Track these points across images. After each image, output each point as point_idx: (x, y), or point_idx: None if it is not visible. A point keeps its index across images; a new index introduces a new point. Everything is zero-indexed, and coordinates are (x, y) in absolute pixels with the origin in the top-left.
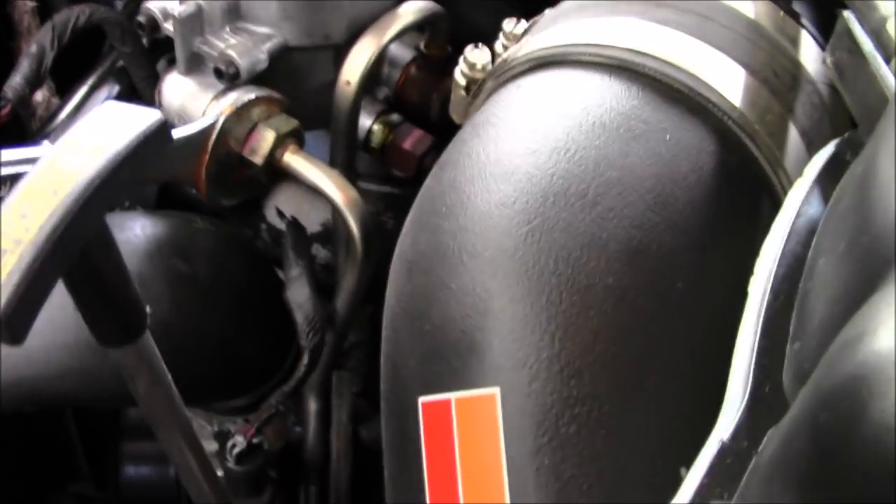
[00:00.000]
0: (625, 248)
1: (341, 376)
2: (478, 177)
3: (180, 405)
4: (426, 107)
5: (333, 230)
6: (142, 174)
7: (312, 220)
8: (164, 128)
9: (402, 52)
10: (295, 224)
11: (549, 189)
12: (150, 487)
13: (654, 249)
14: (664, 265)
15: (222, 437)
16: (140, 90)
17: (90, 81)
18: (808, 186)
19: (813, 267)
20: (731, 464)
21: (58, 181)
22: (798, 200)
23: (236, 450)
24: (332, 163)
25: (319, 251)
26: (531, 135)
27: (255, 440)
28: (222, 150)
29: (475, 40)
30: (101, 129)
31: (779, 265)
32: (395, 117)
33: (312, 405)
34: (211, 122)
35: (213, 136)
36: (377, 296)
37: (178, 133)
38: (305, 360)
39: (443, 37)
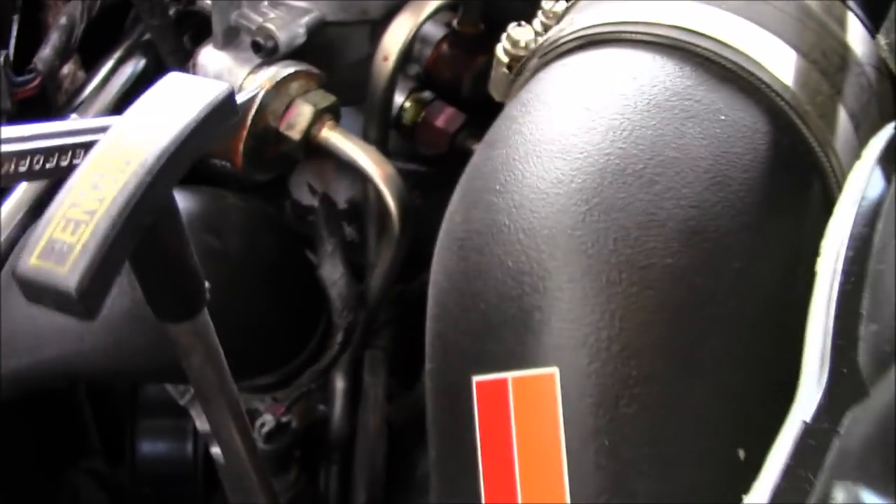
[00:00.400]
0: (683, 227)
1: (375, 355)
2: (532, 154)
3: (232, 385)
4: (457, 84)
5: (363, 207)
6: (208, 146)
7: (339, 197)
8: (230, 100)
9: (434, 30)
10: (327, 200)
11: (607, 168)
12: (167, 464)
13: (712, 230)
14: (721, 245)
15: (249, 415)
16: (167, 64)
17: (117, 55)
18: (870, 169)
19: (884, 249)
20: (814, 445)
21: (130, 152)
22: (861, 182)
23: (265, 428)
24: (366, 139)
25: (345, 229)
26: (585, 113)
27: (284, 419)
28: (260, 125)
29: (506, 20)
30: (170, 100)
31: (847, 247)
32: (426, 94)
33: (340, 384)
34: (250, 96)
35: (252, 111)
36: (405, 276)
37: None
38: (339, 338)
39: (476, 14)
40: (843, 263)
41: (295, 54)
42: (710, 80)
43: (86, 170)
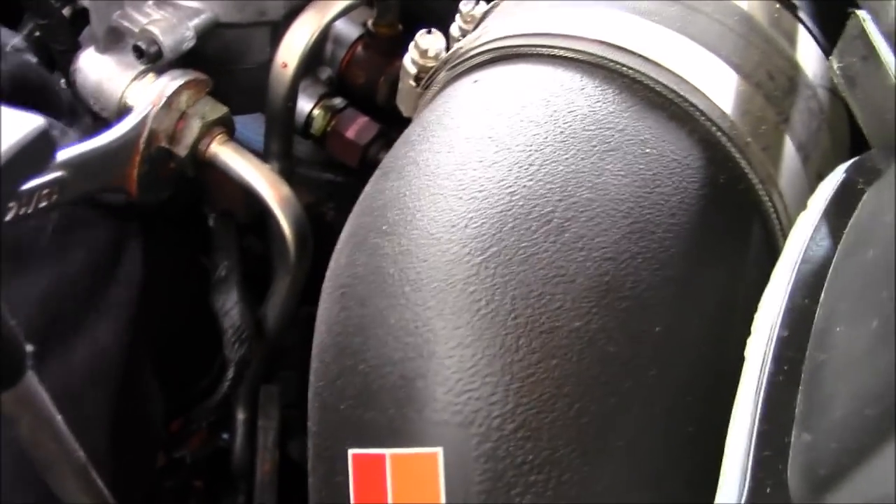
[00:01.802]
0: (595, 284)
1: (269, 393)
2: (425, 190)
3: (75, 451)
4: (372, 90)
5: (267, 222)
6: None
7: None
8: (45, 138)
9: (349, 30)
10: (223, 218)
11: (509, 210)
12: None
13: (629, 286)
14: (640, 305)
15: None
16: (59, 63)
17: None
18: (815, 222)
19: (827, 333)
20: None
21: None
22: (803, 241)
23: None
24: (267, 152)
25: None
26: (488, 143)
27: (176, 455)
28: (153, 147)
29: (430, 19)
30: None
31: (782, 325)
32: (338, 101)
33: (240, 415)
34: (140, 118)
35: (144, 134)
36: (315, 297)
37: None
38: (231, 373)
39: (392, 13)
40: (775, 347)
41: (187, 58)
42: (636, 105)
43: None
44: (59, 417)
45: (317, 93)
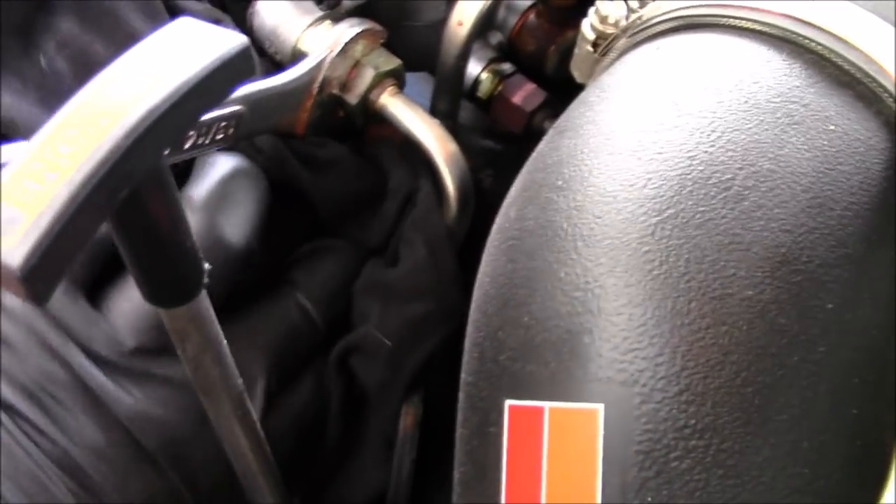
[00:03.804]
0: (771, 255)
1: None
2: (603, 149)
3: (235, 378)
4: (542, 58)
5: None
6: (213, 106)
7: None
8: (245, 55)
9: None
10: None
11: (688, 175)
12: None
13: (805, 260)
14: (814, 280)
15: None
16: (228, 5)
17: None
18: None
19: None
20: None
21: (109, 108)
22: None
23: None
24: (434, 110)
25: None
26: (670, 108)
27: None
28: (325, 93)
29: None
30: (170, 50)
31: None
32: (506, 66)
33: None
34: (317, 62)
35: (319, 79)
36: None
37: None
38: None
39: None
40: None
41: (363, 10)
42: (822, 82)
43: (53, 127)
44: (224, 342)
45: (486, 56)
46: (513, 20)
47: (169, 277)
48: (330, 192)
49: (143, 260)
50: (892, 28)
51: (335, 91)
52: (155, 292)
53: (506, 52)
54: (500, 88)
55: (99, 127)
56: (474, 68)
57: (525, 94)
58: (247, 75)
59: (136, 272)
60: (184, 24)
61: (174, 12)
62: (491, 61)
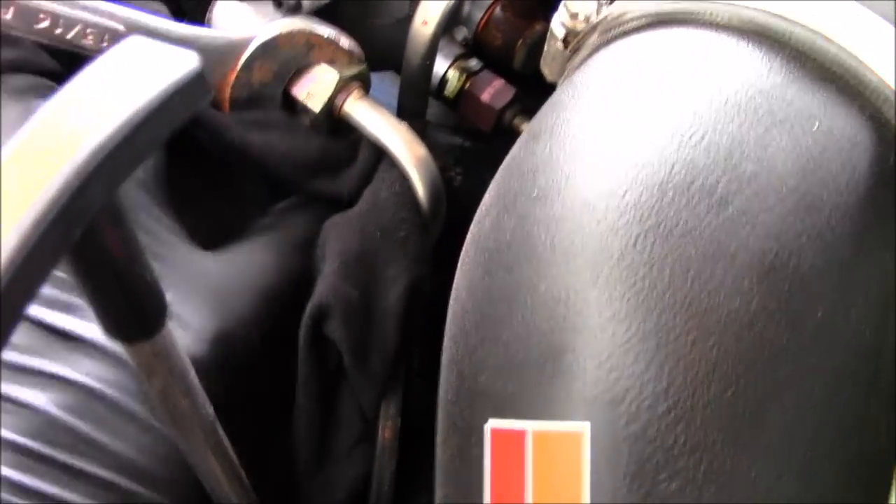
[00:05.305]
0: (757, 262)
1: None
2: (580, 154)
3: (206, 409)
4: (509, 53)
5: None
6: (165, 135)
7: None
8: (200, 78)
9: None
10: None
11: (669, 181)
12: None
13: (793, 266)
14: (803, 286)
15: None
16: (187, 11)
17: None
18: None
19: None
20: None
21: (60, 142)
22: None
23: None
24: (401, 111)
25: None
26: (648, 110)
27: None
28: (253, 76)
29: None
30: (118, 76)
31: None
32: (473, 63)
33: None
34: (242, 37)
35: (243, 56)
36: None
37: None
38: None
39: None
40: None
41: (325, 12)
42: (805, 78)
43: (5, 162)
44: (192, 373)
45: (452, 53)
46: (478, 14)
47: (129, 312)
48: (287, 151)
49: (100, 294)
50: (871, 20)
51: (298, 97)
52: (116, 327)
53: (472, 47)
54: (467, 86)
55: (48, 165)
56: (440, 66)
57: (493, 90)
58: (202, 99)
59: (94, 307)
60: (134, 44)
61: None
62: (457, 58)
